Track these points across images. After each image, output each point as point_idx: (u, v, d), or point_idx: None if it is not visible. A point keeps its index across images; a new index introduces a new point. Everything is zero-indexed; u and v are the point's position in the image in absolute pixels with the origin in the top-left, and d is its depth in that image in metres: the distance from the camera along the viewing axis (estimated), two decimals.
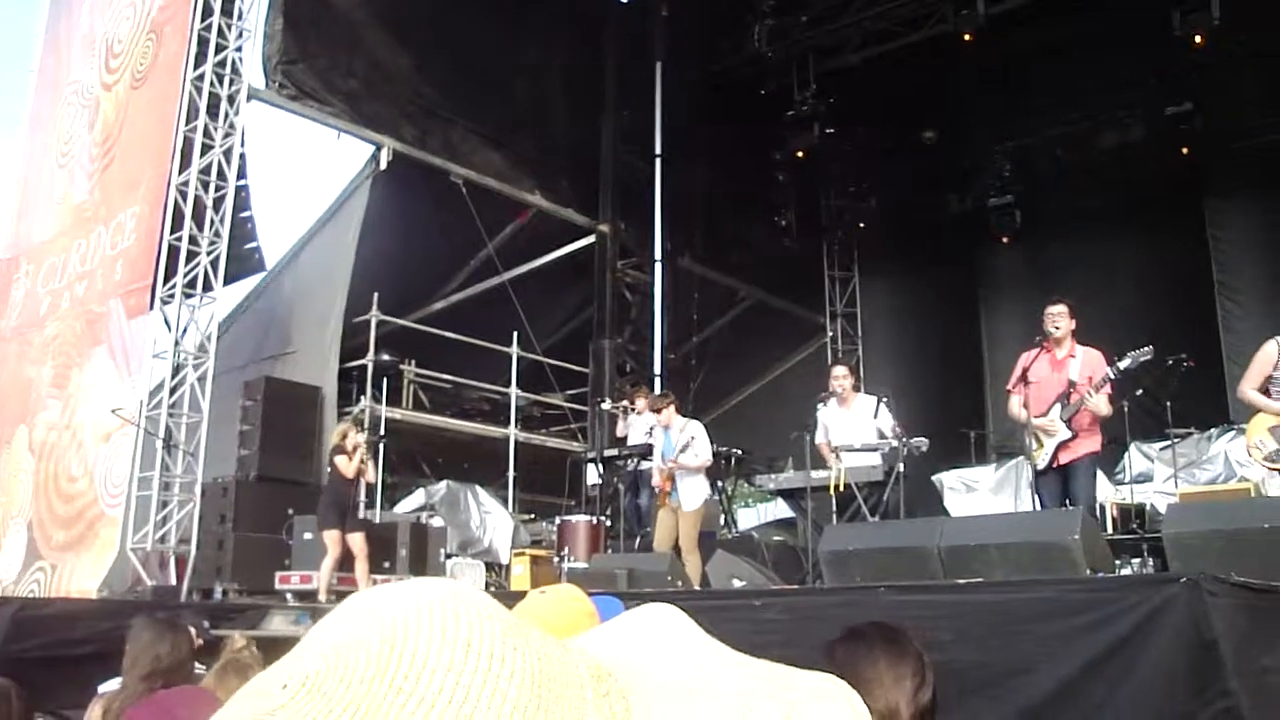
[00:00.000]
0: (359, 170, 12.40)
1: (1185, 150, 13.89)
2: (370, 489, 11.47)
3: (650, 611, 0.87)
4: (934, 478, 12.66)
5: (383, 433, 11.31)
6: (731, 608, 4.15)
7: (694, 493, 9.42)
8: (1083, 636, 3.28)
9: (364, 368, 12.13)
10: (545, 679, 0.66)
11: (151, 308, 10.27)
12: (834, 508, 8.35)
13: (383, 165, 12.22)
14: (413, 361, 13.34)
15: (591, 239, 14.41)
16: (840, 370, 9.07)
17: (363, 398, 12.07)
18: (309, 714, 0.60)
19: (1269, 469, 7.25)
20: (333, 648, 0.63)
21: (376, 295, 12.16)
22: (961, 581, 4.39)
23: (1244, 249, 13.83)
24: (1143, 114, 14.30)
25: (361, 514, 10.88)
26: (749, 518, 13.27)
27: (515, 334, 13.40)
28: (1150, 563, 7.83)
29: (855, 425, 8.69)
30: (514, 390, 13.46)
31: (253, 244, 10.99)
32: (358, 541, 9.35)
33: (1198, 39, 12.32)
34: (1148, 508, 10.03)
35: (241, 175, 10.60)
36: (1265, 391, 7.22)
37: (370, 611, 0.65)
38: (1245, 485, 9.89)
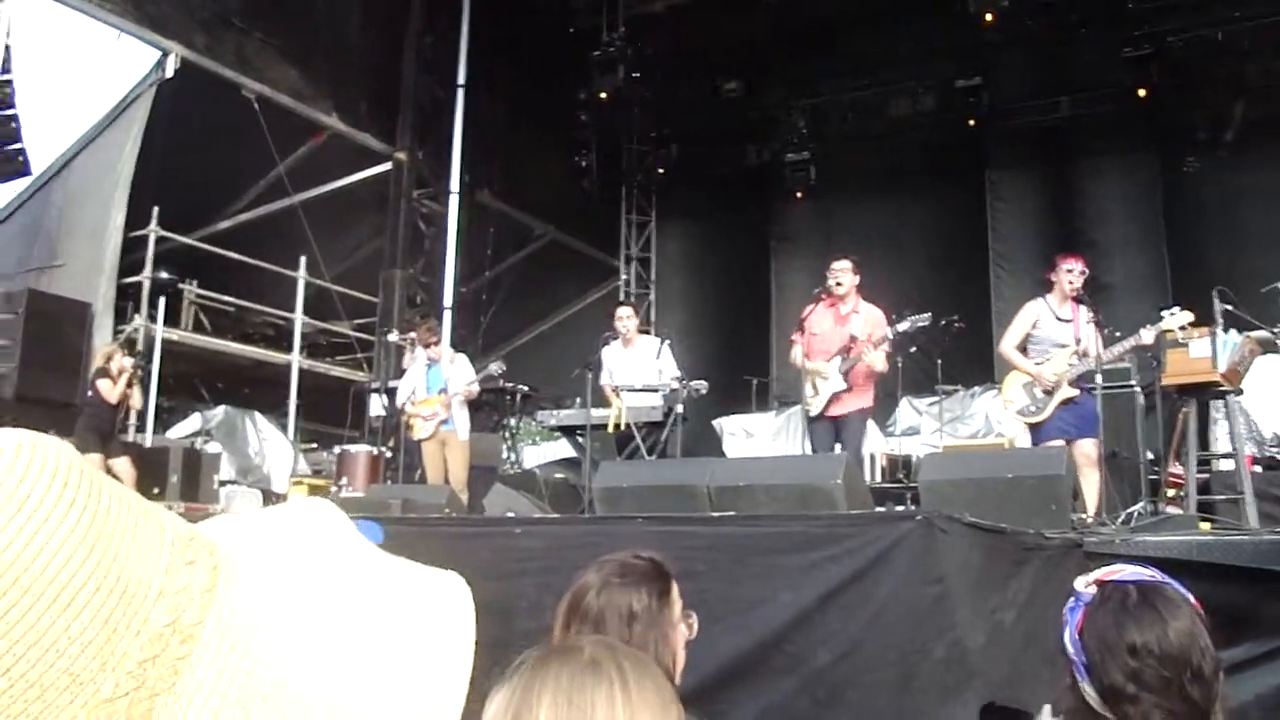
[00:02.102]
0: (142, 77, 11.71)
1: (972, 122, 14.54)
2: (141, 413, 11.03)
3: (304, 505, 0.87)
4: (715, 423, 12.99)
5: (150, 359, 10.86)
6: (492, 534, 4.17)
7: (467, 423, 9.57)
8: (823, 569, 3.45)
9: (140, 285, 11.57)
10: (113, 528, 0.67)
11: None
12: (614, 446, 8.49)
13: (169, 73, 11.57)
14: (194, 282, 12.81)
15: (388, 166, 14.07)
16: (625, 311, 9.18)
17: (137, 316, 11.53)
18: None
19: (1021, 422, 7.73)
20: None
21: (157, 210, 11.59)
22: (715, 515, 4.53)
23: (1018, 220, 14.60)
24: (935, 84, 14.90)
25: (131, 438, 10.46)
26: (535, 456, 13.31)
27: (304, 259, 13.01)
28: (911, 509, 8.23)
29: (637, 366, 8.82)
30: (299, 316, 13.11)
31: (16, 145, 10.29)
32: (123, 467, 8.98)
33: (988, 17, 12.86)
34: (914, 459, 10.54)
35: (5, 70, 9.89)
36: (1023, 350, 7.70)
37: None
38: (1001, 440, 10.52)
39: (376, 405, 11.96)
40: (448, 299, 14.19)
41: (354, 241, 14.75)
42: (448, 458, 9.60)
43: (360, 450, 10.69)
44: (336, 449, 11.30)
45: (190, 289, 12.72)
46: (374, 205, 14.21)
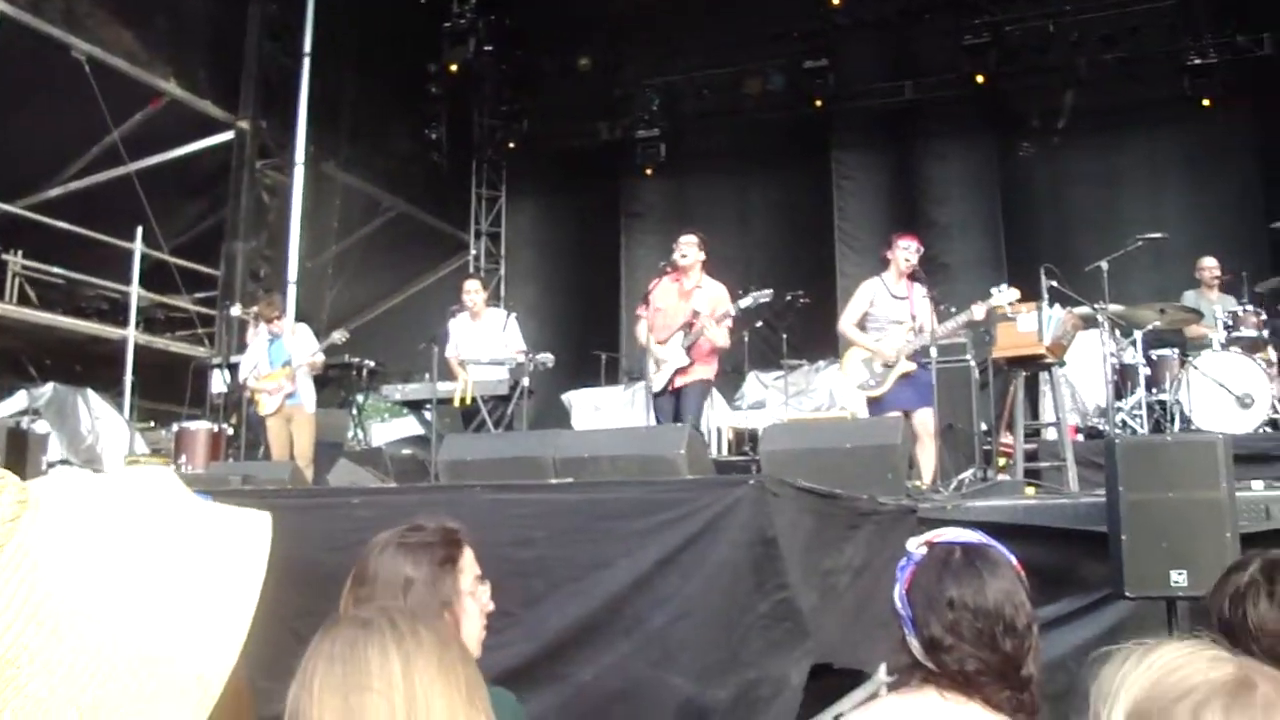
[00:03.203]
0: None
1: (819, 103, 14.82)
2: None
3: (142, 471, 0.92)
4: (563, 397, 13.00)
5: None
6: (330, 506, 4.10)
7: (313, 395, 9.43)
8: (659, 533, 3.50)
9: None
10: None
11: None
12: (461, 420, 8.44)
13: None
14: (19, 252, 12.21)
15: (230, 135, 13.61)
16: (473, 284, 9.14)
17: None
18: None
19: (862, 395, 7.96)
20: None
21: None
22: (553, 481, 4.55)
23: (862, 201, 14.93)
24: (784, 65, 15.12)
25: None
26: (383, 433, 13.11)
27: (140, 229, 12.51)
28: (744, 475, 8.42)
29: (484, 339, 8.78)
30: (136, 289, 12.60)
31: None
32: None
33: (835, 1, 13.13)
34: (760, 432, 10.73)
35: None
36: (862, 327, 7.93)
37: None
38: (844, 413, 10.78)
39: (218, 381, 11.60)
40: (292, 273, 13.84)
41: (194, 213, 14.24)
42: (293, 433, 9.43)
43: (200, 427, 10.37)
44: (175, 426, 10.94)
45: (15, 260, 12.12)
46: (215, 175, 13.73)
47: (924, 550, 2.18)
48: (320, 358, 9.64)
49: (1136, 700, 1.13)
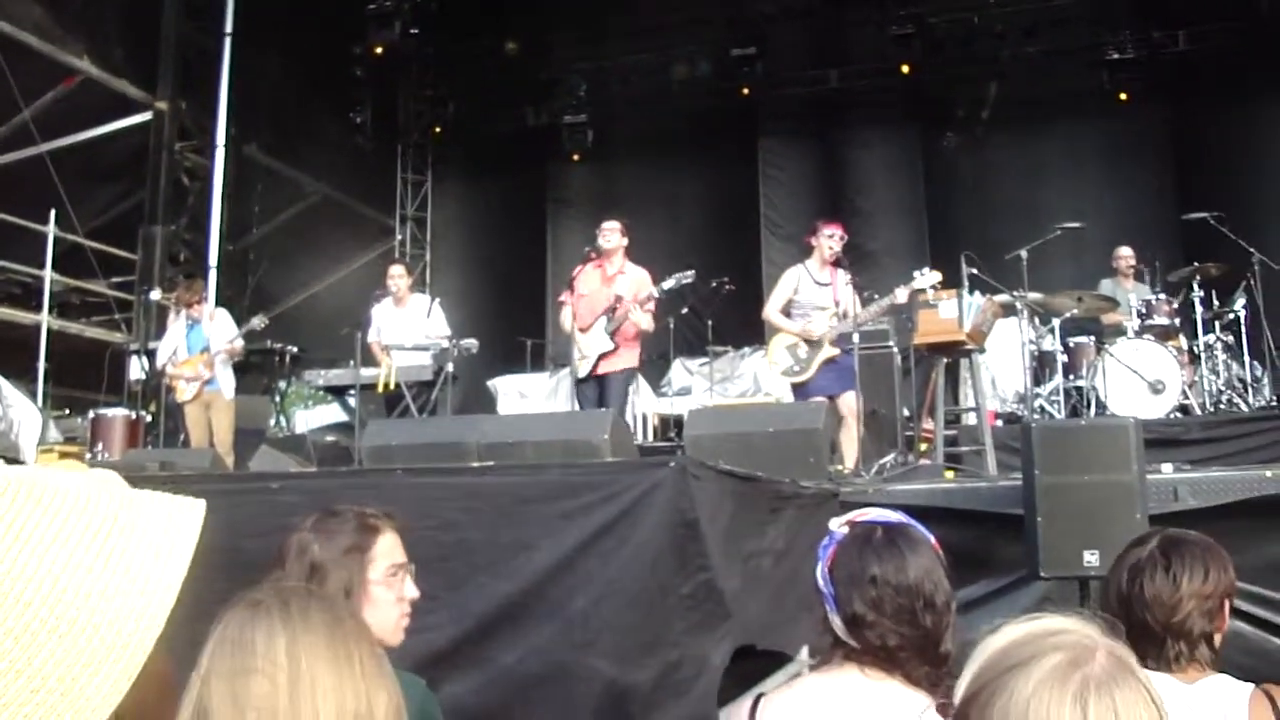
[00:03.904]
0: None
1: (746, 91, 14.88)
2: None
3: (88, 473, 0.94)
4: (489, 383, 12.95)
5: None
6: (250, 491, 4.03)
7: (232, 382, 9.31)
8: (581, 516, 3.50)
9: None
10: None
11: None
12: (384, 406, 8.37)
13: None
14: None
15: (148, 116, 13.32)
16: (397, 269, 9.09)
17: None
18: None
19: (786, 381, 8.04)
20: None
21: None
22: (475, 465, 4.53)
23: (789, 189, 15.05)
24: (712, 52, 15.17)
25: None
26: (306, 420, 12.96)
27: (54, 212, 12.20)
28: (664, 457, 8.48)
29: (408, 325, 8.72)
30: (49, 273, 12.30)
31: None
32: None
33: None
34: (685, 417, 10.77)
35: None
36: (787, 314, 8.00)
37: None
38: (769, 399, 10.88)
39: (136, 368, 11.38)
40: (213, 258, 13.60)
41: (111, 195, 13.91)
42: (212, 420, 9.28)
43: (116, 414, 10.15)
44: (91, 414, 10.71)
45: None
46: (133, 157, 13.43)
47: (846, 529, 2.21)
48: (239, 344, 9.50)
49: (980, 667, 1.16)
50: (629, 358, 7.96)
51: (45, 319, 12.14)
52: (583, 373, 7.88)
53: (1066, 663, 1.12)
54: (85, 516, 0.86)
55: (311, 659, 1.30)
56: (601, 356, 7.83)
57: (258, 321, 9.68)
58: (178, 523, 0.90)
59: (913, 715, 2.01)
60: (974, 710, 1.14)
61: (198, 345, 9.40)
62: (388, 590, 2.36)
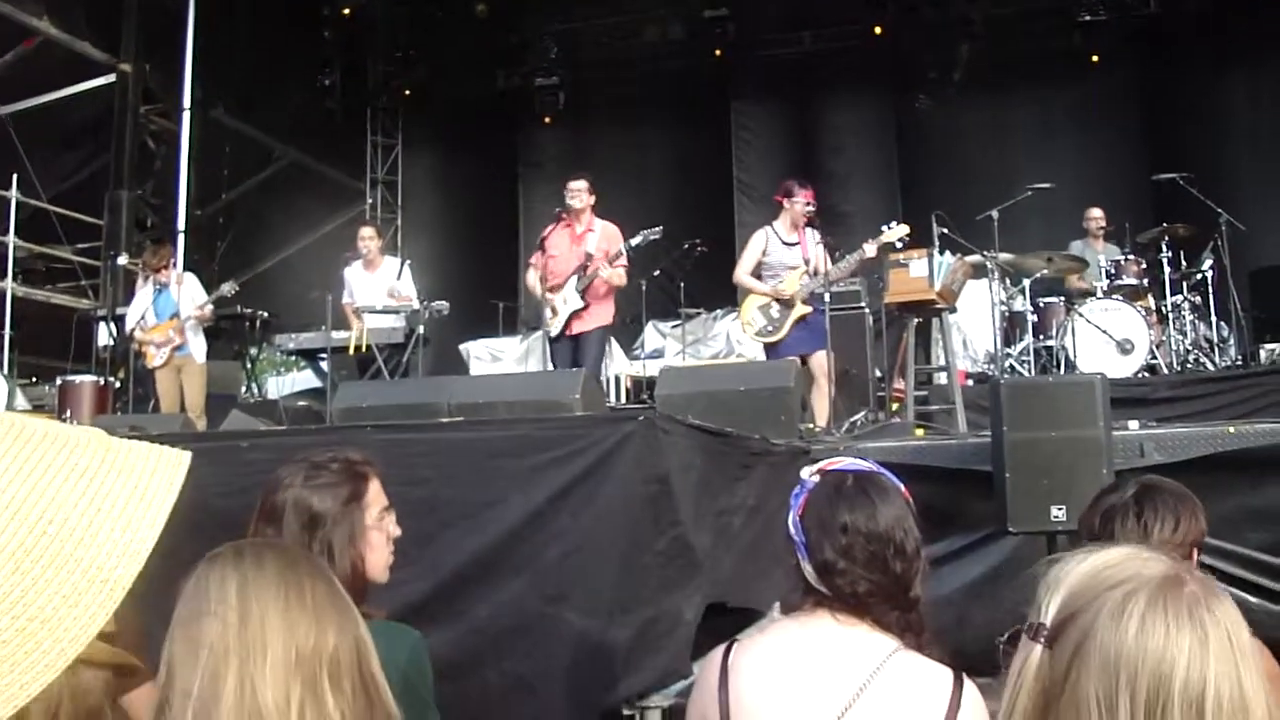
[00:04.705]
0: None
1: (718, 53, 14.80)
2: None
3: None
4: (461, 347, 12.91)
5: None
6: (219, 450, 4.02)
7: (203, 346, 9.26)
8: (550, 470, 3.51)
9: None
10: None
11: None
12: (356, 369, 8.34)
13: None
14: None
15: (111, 78, 13.12)
16: (368, 231, 9.04)
17: None
18: None
19: (759, 342, 8.06)
20: None
21: None
22: (444, 420, 4.53)
23: (761, 151, 14.99)
24: (684, 13, 15.06)
25: None
26: (280, 387, 12.89)
27: (15, 177, 12.03)
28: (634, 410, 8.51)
29: (380, 287, 8.68)
30: (12, 239, 12.15)
31: None
32: None
33: None
34: (657, 377, 10.78)
35: None
36: (757, 276, 8.01)
37: None
38: (742, 360, 10.89)
39: (104, 334, 11.27)
40: (181, 222, 13.46)
41: (75, 159, 13.72)
42: (184, 384, 9.24)
43: (85, 381, 10.06)
44: (59, 380, 10.62)
45: None
46: (97, 121, 13.23)
47: (817, 478, 2.23)
48: (209, 309, 9.43)
49: (1072, 589, 1.20)
50: (602, 315, 7.97)
51: (10, 286, 12.00)
52: (555, 331, 7.89)
53: (1168, 581, 1.16)
54: (73, 456, 0.88)
55: (262, 598, 1.34)
56: (575, 315, 7.83)
57: (228, 288, 9.61)
58: (162, 467, 0.92)
59: (880, 658, 2.03)
60: (1073, 629, 1.17)
61: (166, 311, 9.33)
62: (379, 533, 2.40)
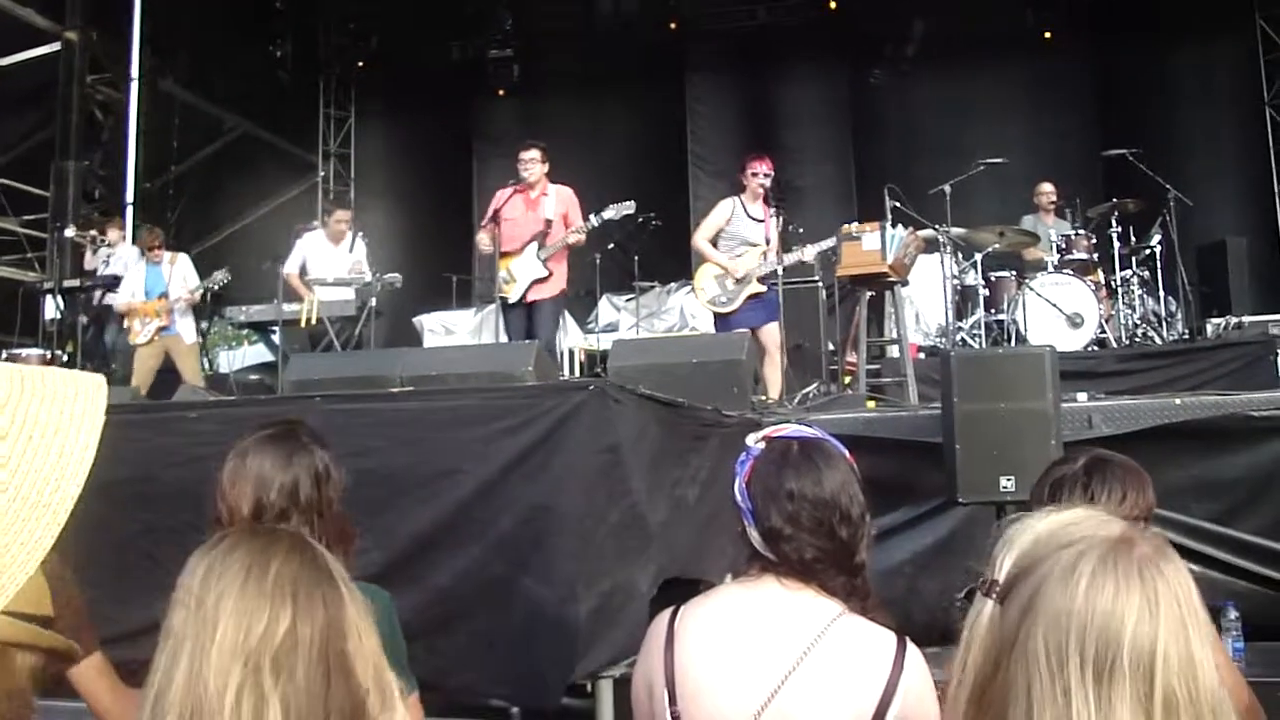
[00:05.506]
0: None
1: (673, 25, 14.76)
2: None
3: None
4: (415, 320, 12.85)
5: None
6: (168, 421, 3.98)
7: (192, 325, 9.47)
8: (503, 439, 3.51)
9: None
10: None
11: None
12: (308, 342, 8.29)
13: None
14: None
15: (56, 47, 12.86)
16: (345, 214, 9.11)
17: None
18: None
19: (711, 310, 8.07)
20: None
21: None
22: (394, 390, 4.51)
23: (716, 125, 14.98)
24: None
25: None
26: (232, 361, 12.75)
27: None
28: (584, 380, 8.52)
29: (342, 263, 8.67)
30: None
31: None
32: None
33: None
34: (610, 349, 10.80)
35: None
36: (715, 244, 8.02)
37: None
38: (696, 334, 10.92)
39: (51, 307, 11.11)
40: (129, 194, 13.25)
41: (19, 130, 13.45)
42: (178, 365, 9.33)
43: (31, 354, 9.94)
44: (4, 354, 10.46)
45: None
46: (41, 90, 12.97)
47: (763, 445, 2.23)
48: (199, 294, 9.48)
49: (1026, 547, 1.22)
50: (559, 281, 7.96)
51: None
52: (513, 298, 7.84)
53: (1120, 542, 1.18)
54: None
55: (221, 583, 1.35)
56: (534, 283, 7.80)
57: (220, 276, 9.56)
58: (84, 389, 0.93)
59: (825, 622, 2.06)
60: (1024, 586, 1.19)
61: (156, 289, 9.39)
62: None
